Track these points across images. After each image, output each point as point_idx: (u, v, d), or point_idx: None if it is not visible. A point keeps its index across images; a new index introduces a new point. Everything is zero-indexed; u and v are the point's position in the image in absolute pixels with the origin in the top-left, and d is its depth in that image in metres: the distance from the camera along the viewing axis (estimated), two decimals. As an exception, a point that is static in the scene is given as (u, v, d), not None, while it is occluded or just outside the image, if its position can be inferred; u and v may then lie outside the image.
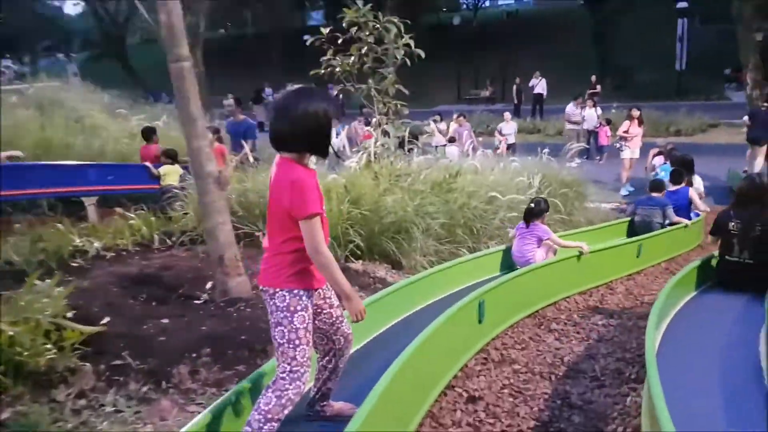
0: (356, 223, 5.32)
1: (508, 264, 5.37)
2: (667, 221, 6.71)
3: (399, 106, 6.60)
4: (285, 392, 2.08)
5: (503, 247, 5.49)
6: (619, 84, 25.81)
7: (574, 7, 33.10)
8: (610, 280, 5.49)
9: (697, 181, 8.34)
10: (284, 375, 2.10)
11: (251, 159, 6.43)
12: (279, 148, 2.13)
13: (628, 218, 7.30)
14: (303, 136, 2.07)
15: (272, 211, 2.14)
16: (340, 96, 6.64)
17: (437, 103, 26.75)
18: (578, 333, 4.25)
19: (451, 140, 13.06)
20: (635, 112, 11.23)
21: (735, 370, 3.06)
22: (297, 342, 2.09)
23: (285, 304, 2.09)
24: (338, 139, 14.21)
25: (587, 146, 12.80)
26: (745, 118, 10.81)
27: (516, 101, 21.90)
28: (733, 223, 4.26)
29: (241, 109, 9.17)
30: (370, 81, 6.50)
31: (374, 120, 6.60)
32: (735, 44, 25.47)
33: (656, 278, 5.80)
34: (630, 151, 11.23)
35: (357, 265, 5.22)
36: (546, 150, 8.87)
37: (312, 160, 2.48)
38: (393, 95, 6.53)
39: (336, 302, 2.33)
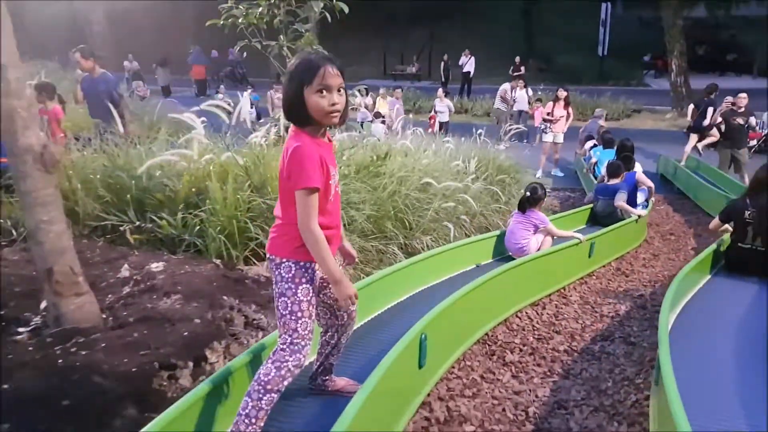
0: (259, 216, 4.16)
1: (500, 250, 5.06)
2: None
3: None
4: (285, 363, 2.02)
5: (498, 232, 5.17)
6: (542, 67, 25.68)
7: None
8: (563, 286, 4.67)
9: (638, 168, 7.80)
10: (284, 346, 2.04)
11: (120, 127, 5.02)
12: (288, 119, 2.02)
13: (589, 206, 6.62)
14: (283, 105, 1.98)
15: (281, 179, 2.02)
16: (243, 55, 5.38)
17: (362, 78, 25.61)
18: (539, 365, 3.35)
19: (378, 116, 11.99)
20: (562, 93, 10.64)
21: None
22: (299, 314, 2.03)
23: (290, 275, 2.03)
24: (251, 110, 12.83)
25: (524, 128, 12.16)
26: (691, 106, 10.39)
27: (443, 79, 21.10)
28: (749, 212, 4.30)
29: (93, 64, 6.31)
30: (281, 38, 5.29)
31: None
32: (654, 31, 26.27)
33: (609, 282, 5.05)
34: (552, 135, 10.66)
35: (259, 269, 4.07)
36: (481, 131, 7.99)
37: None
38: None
39: None
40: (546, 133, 10.79)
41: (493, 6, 31.51)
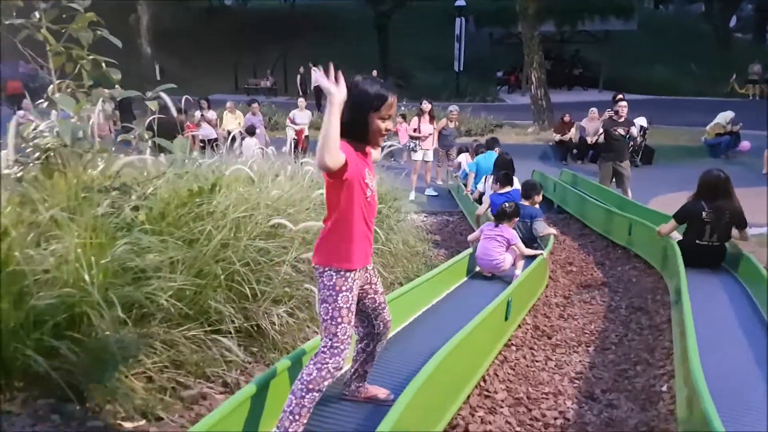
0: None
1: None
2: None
3: (104, 66, 3.59)
4: (325, 365, 2.15)
5: (469, 250, 4.96)
6: (399, 84, 25.18)
7: (356, 2, 32.14)
8: (482, 377, 3.23)
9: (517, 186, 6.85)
10: (325, 349, 2.17)
11: None
12: None
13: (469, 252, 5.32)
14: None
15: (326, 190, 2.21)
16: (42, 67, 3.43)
17: (212, 92, 23.32)
18: None
19: (250, 132, 10.07)
20: (426, 105, 9.78)
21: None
22: (339, 320, 2.16)
23: (332, 282, 2.16)
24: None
25: (400, 145, 11.01)
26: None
27: (300, 92, 19.58)
28: (705, 212, 4.66)
29: None
30: (37, 15, 3.41)
31: (51, 88, 3.48)
32: (504, 48, 27.04)
33: (534, 353, 3.69)
34: (422, 152, 9.70)
35: None
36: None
37: None
38: (89, 45, 3.51)
39: (380, 288, 2.41)
40: (415, 151, 9.71)
41: (347, 23, 30.77)
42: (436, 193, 9.98)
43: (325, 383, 2.15)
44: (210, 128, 10.96)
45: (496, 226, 4.83)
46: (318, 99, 18.90)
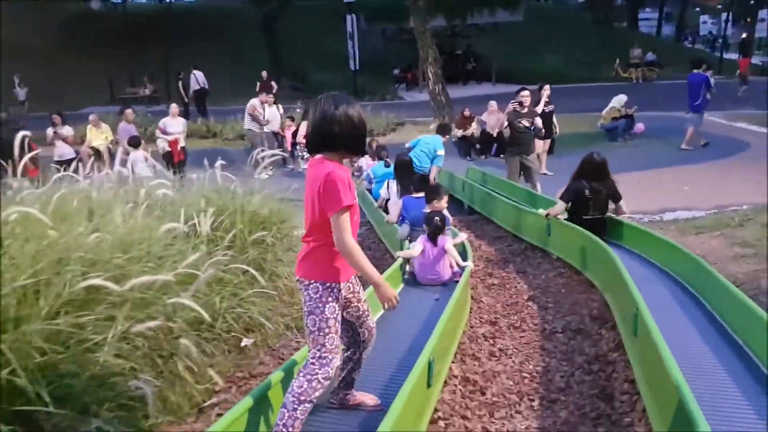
0: None
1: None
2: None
3: None
4: (315, 376, 2.19)
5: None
6: (295, 85, 24.01)
7: (239, 3, 30.50)
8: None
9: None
10: (314, 360, 2.21)
11: None
12: (318, 150, 2.22)
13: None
14: (346, 137, 2.16)
15: (308, 207, 2.23)
16: None
17: (87, 105, 21.12)
18: None
19: (134, 143, 8.50)
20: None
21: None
22: (327, 330, 2.19)
23: (318, 295, 2.20)
24: None
25: (283, 153, 9.96)
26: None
27: (185, 98, 17.93)
28: (587, 191, 5.11)
29: None
30: None
31: None
32: (399, 44, 26.52)
33: (468, 425, 2.80)
34: None
35: None
36: (220, 162, 5.39)
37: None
38: None
39: (363, 297, 2.42)
40: (305, 157, 8.71)
41: (232, 24, 29.09)
42: None
43: (316, 394, 2.20)
44: (65, 146, 9.35)
45: (435, 244, 4.47)
46: (199, 104, 17.42)
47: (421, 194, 5.23)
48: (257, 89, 14.07)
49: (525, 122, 7.56)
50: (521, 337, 3.90)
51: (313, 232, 2.21)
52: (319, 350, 2.19)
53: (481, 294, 4.82)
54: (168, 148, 10.14)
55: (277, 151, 6.02)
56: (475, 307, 4.42)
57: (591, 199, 5.11)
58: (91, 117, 11.03)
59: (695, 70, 11.18)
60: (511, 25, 25.14)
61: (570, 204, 5.22)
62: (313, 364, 2.19)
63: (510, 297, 4.75)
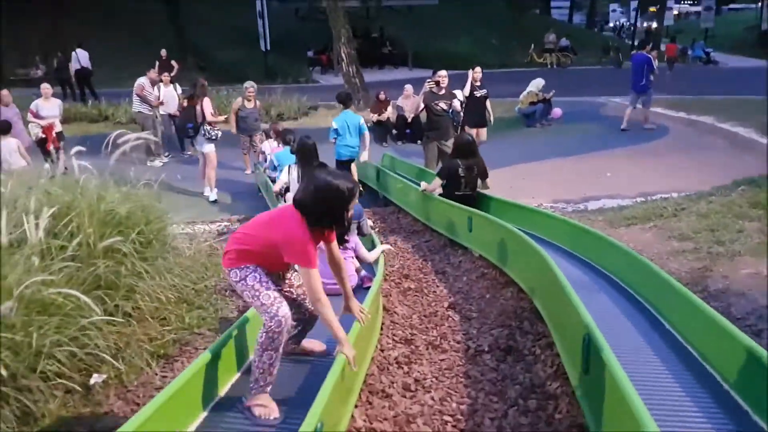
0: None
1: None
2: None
3: None
4: (269, 329, 2.37)
5: None
6: (201, 64, 22.38)
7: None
8: None
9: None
10: (265, 318, 2.40)
11: None
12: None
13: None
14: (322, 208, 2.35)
15: (262, 222, 2.53)
16: None
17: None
18: None
19: (3, 129, 7.11)
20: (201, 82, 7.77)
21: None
22: (258, 293, 2.40)
23: (237, 278, 2.44)
24: None
25: (155, 139, 8.83)
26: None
27: (60, 81, 16.15)
28: (461, 169, 5.44)
29: None
30: None
31: None
32: (312, 24, 25.34)
33: None
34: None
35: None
36: (77, 149, 4.37)
37: None
38: None
39: (296, 282, 2.69)
40: (213, 139, 7.55)
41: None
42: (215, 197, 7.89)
43: (276, 342, 2.38)
44: None
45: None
46: (82, 84, 15.78)
47: None
48: (156, 68, 12.68)
49: (442, 104, 6.93)
50: (441, 360, 3.23)
51: (252, 235, 2.46)
52: (264, 310, 2.38)
53: (395, 300, 4.14)
54: (42, 135, 8.73)
55: (143, 134, 4.96)
56: (387, 322, 3.72)
57: (464, 177, 5.46)
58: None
59: (638, 51, 10.96)
60: (426, 8, 24.65)
61: (445, 181, 5.56)
62: (266, 322, 2.37)
63: (428, 305, 4.09)
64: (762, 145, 8.38)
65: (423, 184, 5.87)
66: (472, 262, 4.86)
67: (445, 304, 4.07)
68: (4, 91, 8.90)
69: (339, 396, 2.31)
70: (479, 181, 5.63)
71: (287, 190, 5.84)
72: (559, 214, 5.63)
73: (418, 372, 3.08)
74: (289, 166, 5.81)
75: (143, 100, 9.66)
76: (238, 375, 2.77)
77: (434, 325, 3.72)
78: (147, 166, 9.45)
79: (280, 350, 2.42)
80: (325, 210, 2.32)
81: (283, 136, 7.31)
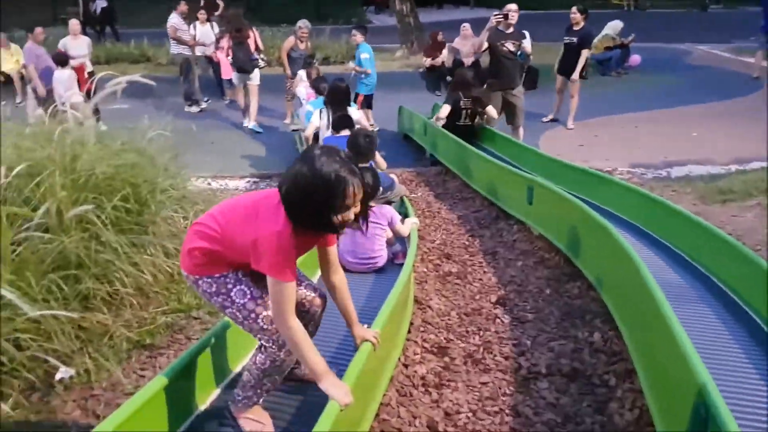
0: None
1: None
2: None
3: None
4: (276, 357, 1.81)
5: None
6: (253, 6, 21.52)
7: None
8: None
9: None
10: (269, 345, 1.81)
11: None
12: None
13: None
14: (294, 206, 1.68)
15: (239, 206, 1.79)
16: None
17: (25, 25, 18.53)
18: None
19: (61, 61, 7.17)
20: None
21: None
22: (253, 315, 1.80)
23: (213, 289, 1.81)
24: None
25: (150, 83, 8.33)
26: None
27: (82, 18, 15.64)
28: (463, 102, 5.74)
29: None
30: None
31: None
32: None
33: None
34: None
35: None
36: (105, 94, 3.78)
37: None
38: None
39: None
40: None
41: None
42: (261, 130, 7.92)
43: (283, 367, 1.85)
44: None
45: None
46: (107, 22, 15.20)
47: (344, 132, 4.08)
48: (201, 5, 11.96)
49: (510, 45, 5.93)
50: (482, 384, 2.48)
51: (223, 225, 1.74)
52: (263, 335, 1.80)
53: (430, 289, 3.39)
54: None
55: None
56: (418, 320, 2.98)
57: (465, 109, 5.78)
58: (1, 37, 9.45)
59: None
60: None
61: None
62: (269, 348, 1.80)
63: (472, 298, 3.32)
64: None
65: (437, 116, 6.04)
66: (530, 243, 4.03)
67: (493, 299, 3.29)
68: (38, 29, 8.45)
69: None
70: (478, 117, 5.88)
71: (316, 138, 5.13)
72: (637, 186, 4.66)
73: (450, 401, 2.34)
74: (320, 110, 5.08)
75: (179, 42, 8.98)
76: (218, 391, 2.14)
77: (477, 329, 2.95)
78: (185, 112, 8.96)
79: (286, 372, 1.91)
80: (305, 207, 1.62)
81: (316, 85, 6.47)
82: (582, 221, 3.34)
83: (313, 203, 1.60)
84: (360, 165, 3.51)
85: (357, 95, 7.13)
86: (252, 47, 7.89)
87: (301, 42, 8.01)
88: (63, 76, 7.03)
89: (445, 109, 5.80)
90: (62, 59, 7.22)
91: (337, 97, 4.94)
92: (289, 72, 7.89)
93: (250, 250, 1.67)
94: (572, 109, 7.43)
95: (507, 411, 2.30)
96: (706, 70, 10.01)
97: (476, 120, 5.92)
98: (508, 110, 6.12)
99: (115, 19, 15.84)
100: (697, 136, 6.81)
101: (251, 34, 8.04)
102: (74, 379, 2.56)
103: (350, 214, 1.67)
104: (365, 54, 7.24)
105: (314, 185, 1.58)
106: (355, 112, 4.99)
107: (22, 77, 9.20)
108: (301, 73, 7.18)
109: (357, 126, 4.51)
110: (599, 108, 8.24)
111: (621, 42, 10.60)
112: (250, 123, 7.90)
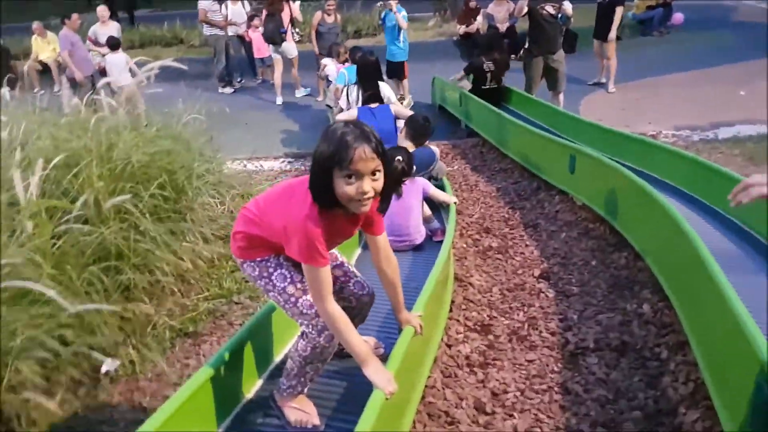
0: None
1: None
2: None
3: None
4: (317, 343, 1.78)
5: None
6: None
7: None
8: None
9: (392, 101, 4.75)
10: (310, 330, 1.78)
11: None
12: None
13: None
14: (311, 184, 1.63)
15: (276, 195, 1.78)
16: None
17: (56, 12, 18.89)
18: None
19: (113, 45, 7.26)
20: None
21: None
22: (293, 299, 1.79)
23: (257, 272, 1.83)
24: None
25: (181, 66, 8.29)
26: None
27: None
28: (486, 66, 5.98)
29: None
30: None
31: None
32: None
33: None
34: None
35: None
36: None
37: None
38: None
39: (341, 258, 2.01)
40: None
41: None
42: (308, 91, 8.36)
43: (324, 354, 1.82)
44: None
45: (399, 194, 3.21)
46: (128, 7, 15.39)
47: (374, 105, 4.10)
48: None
49: (550, 8, 5.71)
50: (529, 362, 2.42)
51: (265, 211, 1.75)
52: (307, 322, 1.78)
53: (471, 265, 3.32)
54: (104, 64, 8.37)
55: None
56: (459, 298, 2.93)
57: (489, 72, 5.97)
58: (35, 25, 9.71)
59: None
60: None
61: (471, 76, 6.17)
62: (309, 333, 1.79)
63: (514, 273, 3.24)
64: None
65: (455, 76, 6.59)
66: (573, 213, 3.90)
67: (536, 273, 3.21)
68: (74, 15, 8.55)
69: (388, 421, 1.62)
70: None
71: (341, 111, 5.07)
72: (679, 149, 4.44)
73: (497, 381, 2.30)
74: (349, 86, 4.97)
75: (210, 24, 8.97)
76: (261, 381, 2.13)
77: (520, 305, 2.89)
78: (219, 93, 8.99)
79: (328, 359, 1.87)
80: (316, 177, 1.55)
81: (352, 56, 6.33)
82: (627, 189, 3.21)
83: (320, 168, 1.53)
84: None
85: (403, 64, 7.23)
86: (286, 20, 7.84)
87: (329, 15, 7.88)
88: (117, 60, 7.07)
89: (460, 74, 6.42)
90: (116, 42, 7.25)
91: (366, 71, 4.71)
92: (316, 49, 7.80)
93: (282, 235, 1.65)
94: (611, 72, 7.15)
95: (556, 388, 2.24)
96: (752, 27, 9.48)
97: (501, 83, 6.12)
98: (550, 76, 5.91)
99: (135, 5, 15.92)
100: (744, 95, 6.46)
101: (285, 6, 7.92)
102: (119, 371, 2.61)
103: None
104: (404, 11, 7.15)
105: (320, 151, 1.53)
106: (387, 88, 4.83)
107: (59, 65, 9.39)
108: (326, 61, 6.94)
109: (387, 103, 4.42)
110: (641, 70, 7.91)
111: (663, 0, 10.10)
112: (299, 92, 8.27)
